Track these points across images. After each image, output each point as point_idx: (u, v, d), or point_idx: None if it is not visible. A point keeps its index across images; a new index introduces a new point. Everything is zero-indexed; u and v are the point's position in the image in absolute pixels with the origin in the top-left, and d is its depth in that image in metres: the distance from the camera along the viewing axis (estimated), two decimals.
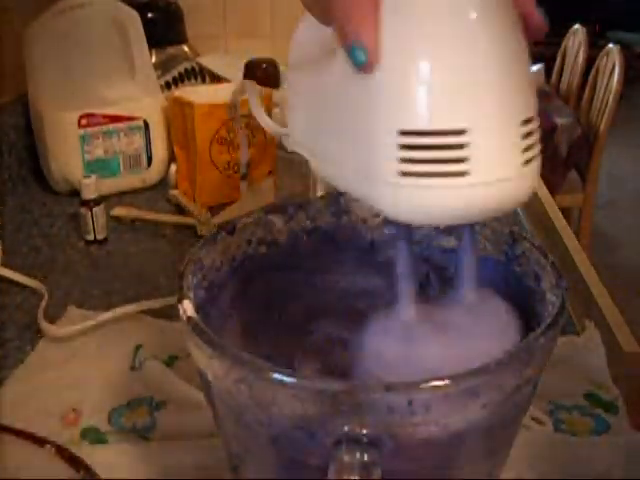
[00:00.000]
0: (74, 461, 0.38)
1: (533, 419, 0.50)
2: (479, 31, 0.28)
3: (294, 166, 0.77)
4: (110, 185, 0.92)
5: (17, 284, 0.70)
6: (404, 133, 0.28)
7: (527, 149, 0.30)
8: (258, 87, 0.36)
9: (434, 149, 0.28)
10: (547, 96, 2.58)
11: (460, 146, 0.28)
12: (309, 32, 0.36)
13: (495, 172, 0.29)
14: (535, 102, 0.30)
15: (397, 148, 0.29)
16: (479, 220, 0.31)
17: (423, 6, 0.28)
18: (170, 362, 0.57)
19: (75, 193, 0.85)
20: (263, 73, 1.03)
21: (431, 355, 0.34)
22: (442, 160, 0.28)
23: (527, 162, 0.30)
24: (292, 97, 0.37)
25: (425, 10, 0.28)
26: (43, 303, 0.65)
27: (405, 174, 0.29)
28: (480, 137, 0.28)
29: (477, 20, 0.28)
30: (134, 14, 0.95)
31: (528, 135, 0.29)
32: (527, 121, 0.29)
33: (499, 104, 0.29)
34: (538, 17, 0.31)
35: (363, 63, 0.28)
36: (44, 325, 0.61)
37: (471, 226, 0.35)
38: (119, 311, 0.63)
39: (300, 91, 0.36)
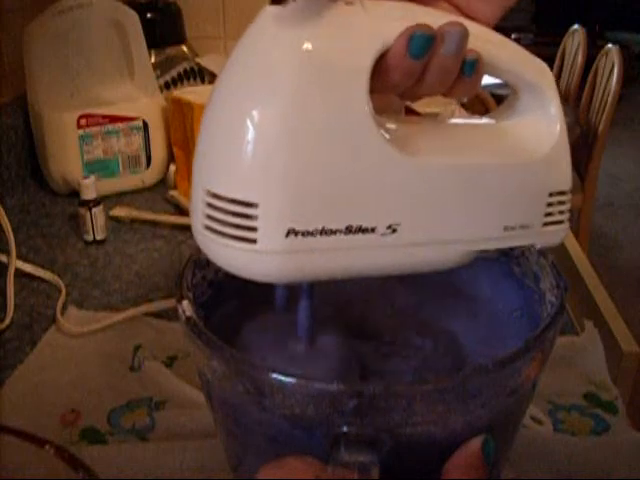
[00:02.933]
0: (73, 461, 0.38)
1: (533, 419, 0.50)
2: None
3: None
4: (109, 185, 0.92)
5: (16, 283, 0.70)
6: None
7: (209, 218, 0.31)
8: None
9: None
10: None
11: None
12: None
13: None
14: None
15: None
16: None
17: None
18: (169, 362, 0.57)
19: (74, 193, 0.85)
20: None
21: None
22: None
23: (208, 229, 0.31)
24: None
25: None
26: (61, 299, 0.65)
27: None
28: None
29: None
30: (133, 14, 0.95)
31: (211, 206, 0.31)
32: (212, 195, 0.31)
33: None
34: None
35: None
36: (61, 320, 0.62)
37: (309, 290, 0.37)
38: (130, 312, 0.63)
39: None
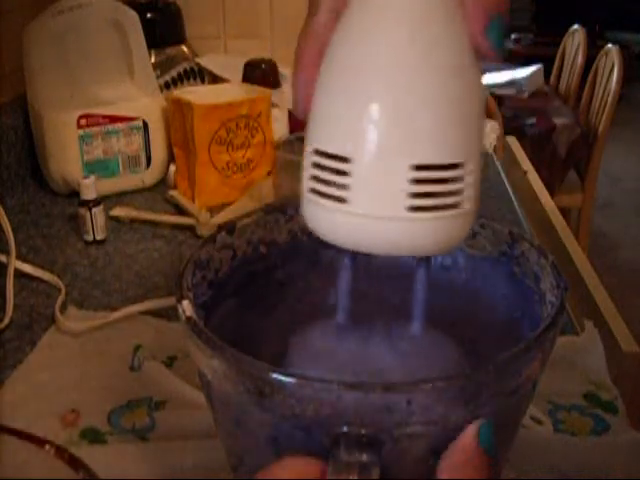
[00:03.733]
0: (73, 461, 0.38)
1: (533, 419, 0.50)
2: (380, 72, 0.29)
3: (294, 166, 0.77)
4: (109, 185, 0.92)
5: (16, 283, 0.70)
6: (316, 152, 0.31)
7: (419, 196, 0.29)
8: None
9: (327, 171, 0.30)
10: (546, 96, 2.58)
11: (344, 173, 0.29)
12: None
13: (371, 207, 0.29)
14: (460, 148, 0.29)
15: (311, 164, 0.31)
16: (369, 251, 0.31)
17: (337, 46, 0.31)
18: (169, 362, 0.57)
19: (74, 193, 0.85)
20: (262, 74, 1.03)
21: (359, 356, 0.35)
22: (330, 183, 0.30)
23: (416, 209, 0.29)
24: None
25: (337, 49, 0.30)
26: (60, 298, 0.65)
27: (312, 190, 0.31)
28: (362, 169, 0.29)
29: (384, 61, 0.29)
30: (133, 14, 0.95)
31: (423, 182, 0.29)
32: (422, 167, 0.29)
33: (384, 142, 0.29)
34: (486, 46, 0.30)
35: (297, 108, 0.33)
36: (60, 319, 0.62)
37: (426, 263, 0.35)
38: (130, 310, 0.63)
39: None
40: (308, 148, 0.31)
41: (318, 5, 0.32)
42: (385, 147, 0.29)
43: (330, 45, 0.31)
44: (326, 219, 0.31)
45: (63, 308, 0.65)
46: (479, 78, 0.30)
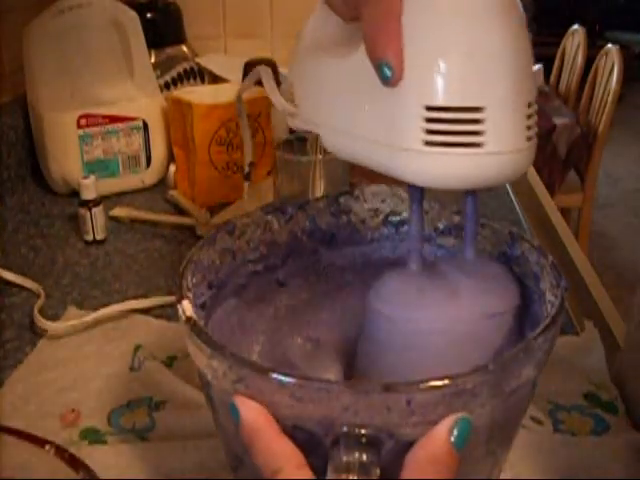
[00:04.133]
0: (73, 461, 0.38)
1: (532, 419, 0.50)
2: (495, 28, 0.33)
3: (294, 166, 0.77)
4: (109, 185, 0.92)
5: (16, 285, 0.70)
6: (429, 108, 0.33)
7: (529, 128, 0.34)
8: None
9: (454, 123, 0.33)
10: (546, 96, 2.58)
11: (476, 121, 0.32)
12: (326, 19, 0.40)
13: (506, 145, 0.33)
14: (535, 89, 0.35)
15: (423, 121, 0.33)
16: (491, 186, 0.35)
17: (445, 7, 0.33)
18: (169, 362, 0.57)
19: (74, 193, 0.85)
20: None
21: (435, 301, 0.37)
22: (461, 132, 0.33)
23: (529, 139, 0.34)
24: (304, 75, 0.41)
25: (448, 10, 0.33)
26: (39, 302, 0.65)
27: (429, 144, 0.33)
28: (493, 114, 0.33)
29: (493, 19, 0.33)
30: (133, 14, 0.95)
31: (530, 116, 0.34)
32: (530, 104, 0.34)
33: (511, 88, 0.33)
34: None
35: (389, 79, 0.33)
36: (42, 322, 0.61)
37: (474, 196, 0.39)
38: (113, 309, 0.63)
39: (315, 71, 0.40)
40: (411, 105, 0.33)
41: None
42: (511, 91, 0.33)
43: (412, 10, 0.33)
44: (455, 166, 0.33)
45: (63, 309, 0.65)
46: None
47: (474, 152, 0.33)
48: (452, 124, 0.33)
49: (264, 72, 0.43)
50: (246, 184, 0.72)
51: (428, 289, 0.38)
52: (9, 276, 0.70)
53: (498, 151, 0.33)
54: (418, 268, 0.39)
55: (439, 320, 0.37)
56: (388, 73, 0.33)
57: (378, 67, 0.33)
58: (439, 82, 0.32)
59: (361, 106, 0.36)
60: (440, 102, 0.32)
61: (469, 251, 0.39)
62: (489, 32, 0.33)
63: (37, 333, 0.61)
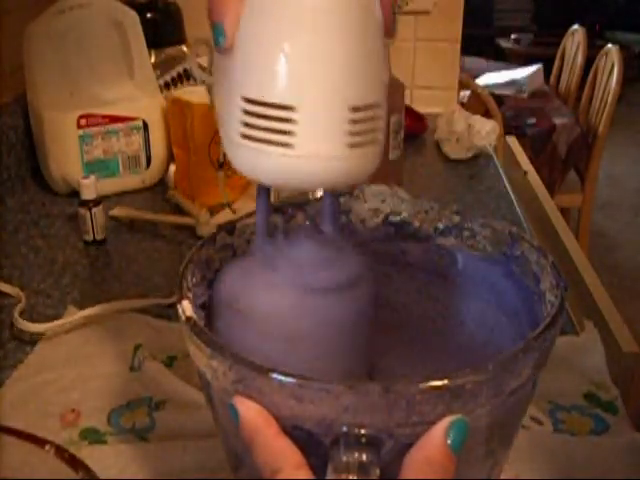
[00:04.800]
0: (73, 461, 0.38)
1: (532, 419, 0.50)
2: (320, 24, 0.32)
3: None
4: (109, 185, 0.92)
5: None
6: (247, 100, 0.33)
7: (355, 134, 0.33)
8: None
9: (267, 119, 0.32)
10: (546, 96, 2.58)
11: (288, 120, 0.32)
12: None
13: (316, 149, 0.32)
14: (379, 90, 0.34)
15: (242, 113, 0.33)
16: (305, 189, 0.35)
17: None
18: (169, 362, 0.57)
19: (74, 193, 0.85)
20: None
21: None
22: (272, 130, 0.32)
23: (354, 146, 0.33)
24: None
25: (285, 3, 0.32)
26: (18, 307, 0.64)
27: (246, 137, 0.33)
28: (306, 115, 0.32)
29: (321, 13, 0.32)
30: (133, 14, 0.95)
31: (358, 121, 0.33)
32: (357, 108, 0.33)
33: (326, 89, 0.32)
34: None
35: (221, 44, 0.33)
36: (22, 324, 0.61)
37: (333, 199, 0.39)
38: (106, 308, 0.63)
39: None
40: (235, 95, 0.33)
41: None
42: (327, 93, 0.32)
43: None
44: (267, 163, 0.33)
45: (63, 309, 0.65)
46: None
47: (283, 152, 0.32)
48: (266, 120, 0.32)
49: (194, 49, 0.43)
50: (220, 173, 0.74)
51: (259, 273, 0.37)
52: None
53: (308, 154, 0.32)
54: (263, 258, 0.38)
55: (272, 301, 0.36)
56: (221, 39, 0.33)
57: (213, 30, 0.34)
58: (257, 75, 0.32)
59: (219, 93, 0.36)
60: (254, 95, 0.32)
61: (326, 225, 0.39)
62: (313, 32, 0.32)
63: (37, 333, 0.61)
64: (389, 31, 0.34)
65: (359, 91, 0.33)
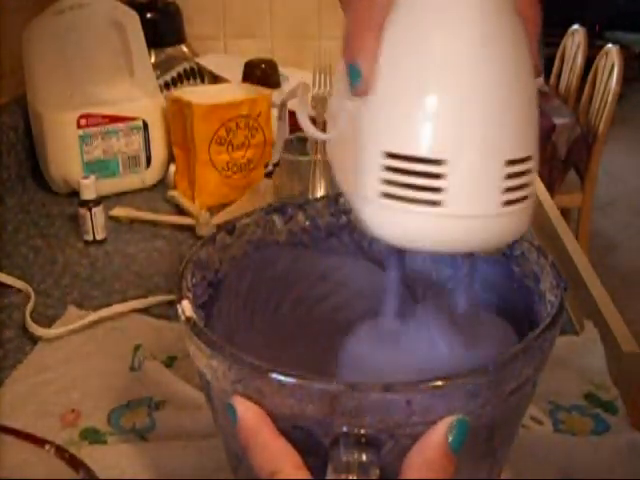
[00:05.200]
0: (73, 462, 0.38)
1: (533, 419, 0.50)
2: (475, 70, 0.29)
3: (294, 166, 0.77)
4: (109, 185, 0.92)
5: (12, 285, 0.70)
6: (389, 155, 0.29)
7: (510, 190, 0.29)
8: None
9: (414, 175, 0.29)
10: (546, 96, 2.58)
11: (437, 176, 0.29)
12: None
13: (468, 208, 0.29)
14: (533, 141, 0.30)
15: (381, 169, 0.29)
16: (456, 252, 0.31)
17: (421, 39, 0.29)
18: (169, 362, 0.57)
19: (74, 193, 0.85)
20: (262, 73, 1.03)
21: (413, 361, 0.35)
22: (419, 187, 0.29)
23: (508, 203, 0.29)
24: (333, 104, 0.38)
25: (423, 42, 0.29)
26: (30, 305, 0.64)
27: (386, 195, 0.30)
28: (458, 171, 0.29)
29: (475, 58, 0.29)
30: (133, 14, 0.95)
31: (513, 176, 0.29)
32: (513, 162, 0.29)
33: (481, 142, 0.29)
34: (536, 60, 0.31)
35: (357, 85, 0.30)
36: (32, 327, 0.61)
37: (471, 259, 0.35)
38: (112, 310, 0.63)
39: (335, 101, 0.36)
40: (372, 148, 0.30)
41: None
42: (482, 145, 0.29)
43: (394, 32, 0.30)
44: (412, 224, 0.30)
45: (63, 309, 0.65)
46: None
47: (431, 211, 0.29)
48: (412, 176, 0.29)
49: (301, 92, 0.40)
50: (265, 181, 0.72)
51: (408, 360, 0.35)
52: (8, 279, 0.70)
53: (459, 213, 0.29)
54: (395, 329, 0.37)
55: None
56: (357, 78, 0.30)
57: (349, 69, 0.30)
58: (402, 126, 0.29)
59: (344, 145, 0.33)
60: (398, 149, 0.29)
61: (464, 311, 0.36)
62: (469, 76, 0.29)
63: (37, 333, 0.61)
64: (537, 71, 0.31)
65: (516, 143, 0.30)
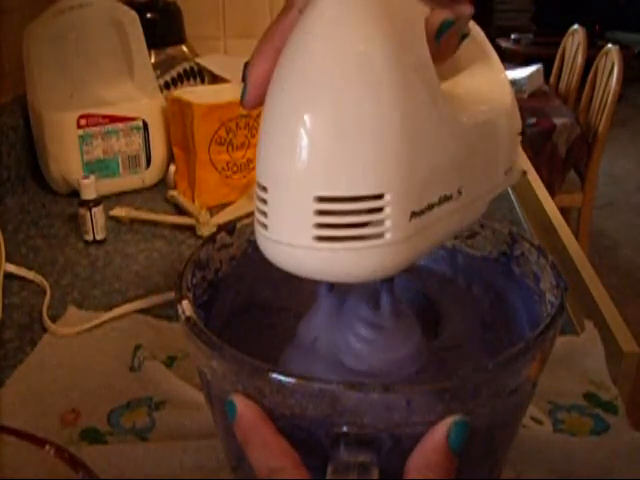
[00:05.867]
0: (73, 462, 0.38)
1: (532, 419, 0.50)
2: (310, 100, 0.28)
3: None
4: (109, 185, 0.92)
5: (16, 284, 0.70)
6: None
7: (323, 226, 0.28)
8: None
9: (258, 200, 0.30)
10: (546, 96, 2.58)
11: (264, 200, 0.30)
12: None
13: (283, 235, 0.29)
14: (370, 179, 0.28)
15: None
16: (293, 274, 0.31)
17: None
18: (169, 362, 0.57)
19: (74, 193, 0.85)
20: None
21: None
22: (258, 210, 0.30)
23: (321, 239, 0.28)
24: None
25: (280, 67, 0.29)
26: (46, 299, 0.65)
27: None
28: (275, 199, 0.29)
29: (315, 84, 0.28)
30: (133, 14, 0.95)
31: (325, 213, 0.28)
32: (325, 199, 0.28)
33: (290, 172, 0.28)
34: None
35: (242, 97, 0.31)
36: (48, 324, 0.61)
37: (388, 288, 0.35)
38: (122, 310, 0.63)
39: None
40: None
41: (292, 2, 0.30)
42: (292, 178, 0.28)
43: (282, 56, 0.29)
44: (260, 243, 0.31)
45: (62, 309, 0.65)
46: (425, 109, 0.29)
47: (264, 234, 0.30)
48: (257, 198, 0.30)
49: None
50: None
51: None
52: (18, 270, 0.71)
53: (278, 240, 0.30)
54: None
55: None
56: (244, 92, 0.31)
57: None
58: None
59: None
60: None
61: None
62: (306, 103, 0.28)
63: (37, 333, 0.61)
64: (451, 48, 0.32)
65: (333, 178, 0.29)
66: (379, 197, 0.28)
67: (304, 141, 0.28)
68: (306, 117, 0.28)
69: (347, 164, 0.28)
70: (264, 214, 0.30)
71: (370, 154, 0.28)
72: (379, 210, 0.28)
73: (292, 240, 0.29)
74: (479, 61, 0.37)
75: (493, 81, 0.37)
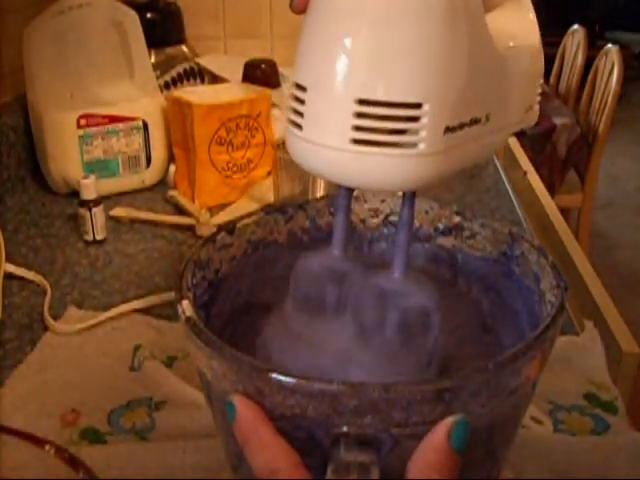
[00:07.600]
0: (73, 461, 0.38)
1: (532, 419, 0.50)
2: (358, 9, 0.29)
3: (293, 166, 0.77)
4: (109, 185, 0.92)
5: (15, 284, 0.70)
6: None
7: (360, 129, 0.29)
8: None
9: (293, 100, 0.31)
10: (546, 96, 2.58)
11: (301, 101, 0.30)
12: None
13: (319, 136, 0.30)
14: (417, 88, 0.29)
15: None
16: (323, 178, 0.32)
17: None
18: (169, 362, 0.57)
19: (74, 193, 0.85)
20: (262, 73, 1.03)
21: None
22: (293, 110, 0.31)
23: (358, 142, 0.29)
24: None
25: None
26: (47, 298, 0.65)
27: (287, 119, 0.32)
28: (314, 98, 0.30)
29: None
30: (133, 14, 0.95)
31: (364, 116, 0.29)
32: (365, 101, 0.29)
33: (335, 75, 0.29)
34: None
35: (292, 3, 0.32)
36: (50, 322, 0.62)
37: (410, 204, 0.35)
38: (122, 309, 0.63)
39: None
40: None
41: None
42: (334, 78, 0.29)
43: None
44: (291, 144, 0.32)
45: (62, 308, 0.65)
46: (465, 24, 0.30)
47: (297, 133, 0.31)
48: (292, 100, 0.31)
49: None
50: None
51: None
52: (17, 270, 0.71)
53: (313, 140, 0.30)
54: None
55: None
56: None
57: None
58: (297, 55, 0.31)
59: None
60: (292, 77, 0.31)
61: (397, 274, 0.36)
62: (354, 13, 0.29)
63: (37, 333, 0.61)
64: None
65: (371, 82, 0.30)
66: (418, 106, 0.29)
67: (349, 43, 0.29)
68: (354, 20, 0.29)
69: (390, 70, 0.29)
70: (300, 114, 0.30)
71: (413, 63, 0.29)
72: (416, 119, 0.29)
73: (327, 141, 0.30)
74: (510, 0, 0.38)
75: (523, 20, 0.37)
